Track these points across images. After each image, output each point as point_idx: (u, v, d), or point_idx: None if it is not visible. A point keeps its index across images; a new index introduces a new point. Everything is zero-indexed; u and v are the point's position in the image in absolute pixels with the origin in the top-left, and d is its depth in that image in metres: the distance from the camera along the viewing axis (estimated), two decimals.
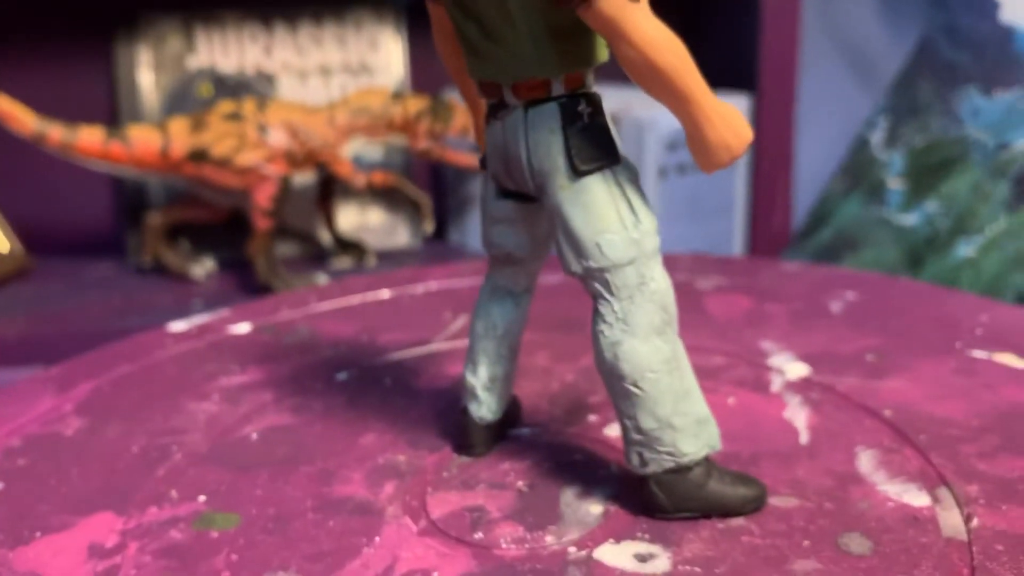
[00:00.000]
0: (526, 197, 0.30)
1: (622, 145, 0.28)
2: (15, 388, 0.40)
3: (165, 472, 0.33)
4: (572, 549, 0.28)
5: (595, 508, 0.30)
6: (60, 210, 0.83)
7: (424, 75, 0.85)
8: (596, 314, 0.28)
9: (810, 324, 0.44)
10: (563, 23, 0.26)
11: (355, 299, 0.51)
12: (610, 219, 0.27)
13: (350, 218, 0.83)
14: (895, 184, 0.73)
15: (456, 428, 0.34)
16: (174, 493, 0.32)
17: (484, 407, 0.33)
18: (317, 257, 0.81)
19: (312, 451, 0.34)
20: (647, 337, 0.27)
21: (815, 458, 0.32)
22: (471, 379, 0.33)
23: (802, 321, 0.44)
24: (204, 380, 0.41)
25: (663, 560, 0.27)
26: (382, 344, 0.44)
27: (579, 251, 0.27)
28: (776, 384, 0.38)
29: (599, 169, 0.27)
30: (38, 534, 0.29)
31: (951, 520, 0.28)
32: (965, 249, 0.67)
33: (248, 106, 0.70)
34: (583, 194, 0.27)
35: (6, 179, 0.81)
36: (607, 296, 0.28)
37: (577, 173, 0.27)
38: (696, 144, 0.26)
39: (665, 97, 0.25)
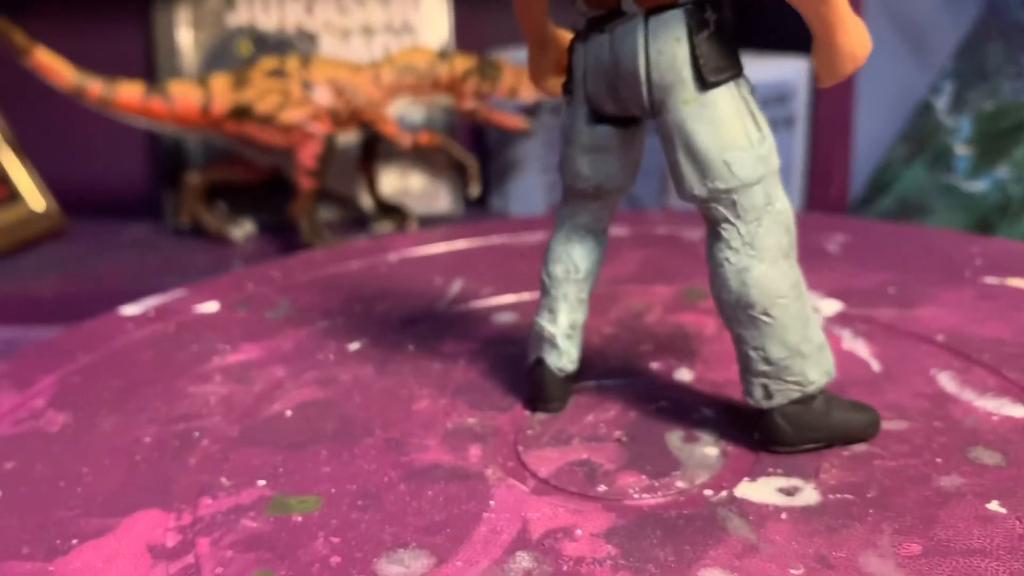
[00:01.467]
0: (624, 121, 0.28)
1: None
2: None
3: (198, 460, 0.30)
4: (709, 492, 0.26)
5: (710, 450, 0.28)
6: (96, 169, 0.82)
7: (469, 35, 0.83)
8: (717, 240, 0.26)
9: (817, 264, 0.44)
10: None
11: (320, 272, 0.48)
12: (738, 135, 0.25)
13: (391, 182, 0.81)
14: (962, 150, 0.70)
15: (532, 382, 0.31)
16: (224, 481, 0.28)
17: (565, 357, 0.31)
18: (357, 222, 0.79)
19: (365, 422, 0.32)
20: (775, 261, 0.26)
21: (897, 383, 0.32)
22: (549, 328, 0.30)
23: (808, 262, 0.44)
24: (195, 362, 0.37)
25: (810, 491, 0.26)
26: (382, 312, 0.42)
27: (704, 171, 0.25)
28: (819, 321, 0.37)
29: (727, 80, 0.25)
30: (75, 541, 0.25)
31: None
32: None
33: (292, 62, 0.68)
34: (710, 108, 0.25)
35: (41, 137, 0.79)
36: (732, 220, 0.26)
37: (705, 85, 0.25)
38: (825, 52, 0.25)
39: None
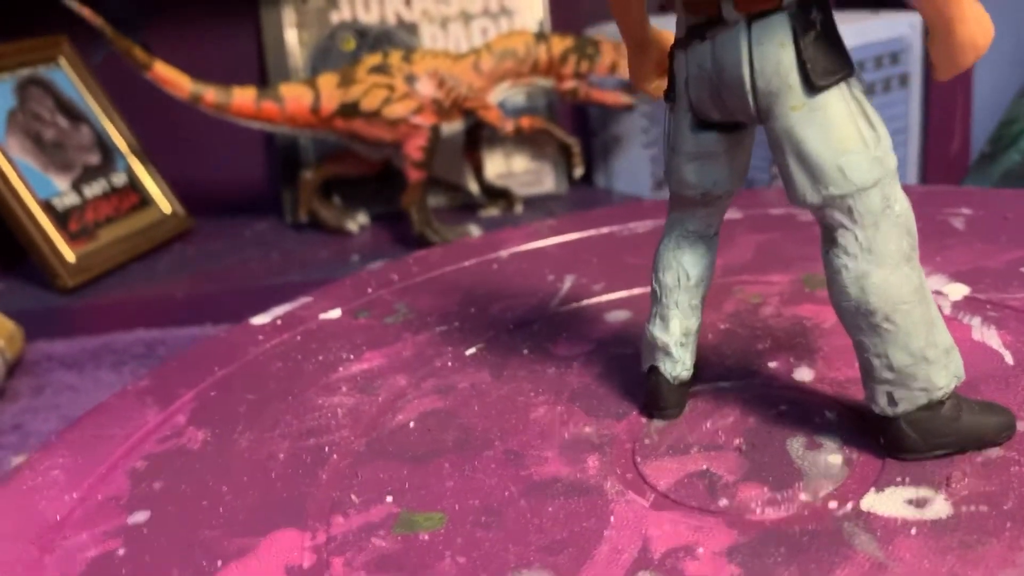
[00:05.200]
0: (729, 126, 0.27)
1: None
2: (108, 406, 0.37)
3: (329, 476, 0.30)
4: (834, 504, 0.25)
5: (833, 458, 0.27)
6: (218, 171, 0.85)
7: (565, 15, 0.82)
8: (833, 246, 0.25)
9: (941, 243, 0.41)
10: None
11: (436, 272, 0.48)
12: (852, 138, 0.24)
13: (496, 166, 0.81)
14: None
15: (647, 390, 0.31)
16: (354, 497, 0.29)
17: (679, 364, 0.30)
18: (466, 207, 0.80)
19: (485, 433, 0.32)
20: (896, 266, 0.25)
21: None
22: (661, 336, 0.30)
23: (930, 241, 0.41)
24: (322, 372, 0.38)
25: (940, 503, 0.25)
26: (496, 313, 0.42)
27: (817, 177, 0.25)
28: (944, 308, 0.35)
29: (838, 82, 0.24)
30: (219, 563, 0.26)
31: None
32: None
33: (394, 57, 0.70)
34: (820, 112, 0.24)
35: (165, 144, 0.83)
36: (848, 225, 0.25)
37: (814, 89, 0.24)
38: (943, 43, 0.24)
39: None
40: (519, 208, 0.78)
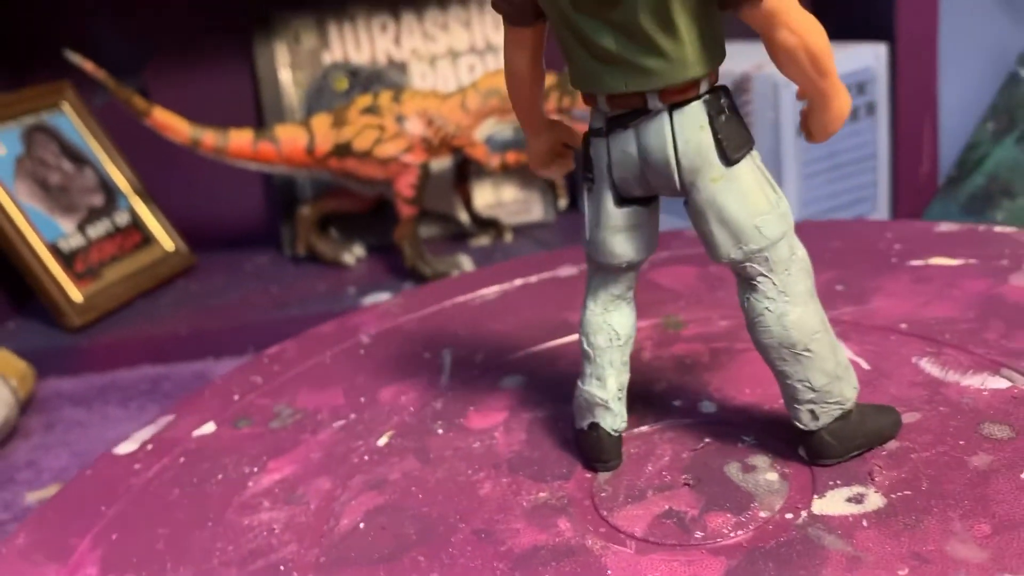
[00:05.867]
0: (647, 199, 0.30)
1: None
2: None
3: None
4: (790, 515, 0.29)
5: (771, 476, 0.31)
6: (218, 209, 0.88)
7: (548, 51, 0.85)
8: (754, 292, 0.29)
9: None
10: (714, 23, 0.27)
11: (301, 367, 0.45)
12: (761, 201, 0.28)
13: (485, 196, 0.84)
14: None
15: (588, 446, 0.33)
16: None
17: (618, 418, 0.33)
18: (457, 236, 0.83)
19: (444, 518, 0.31)
20: (806, 303, 0.29)
21: (891, 377, 0.35)
22: (600, 393, 0.32)
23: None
24: (231, 490, 0.35)
25: (873, 495, 0.29)
26: (390, 399, 0.41)
27: (738, 237, 0.28)
28: None
29: (746, 154, 0.28)
30: None
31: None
32: None
33: (384, 98, 0.73)
34: (736, 182, 0.28)
35: (167, 183, 0.86)
36: (766, 273, 0.29)
37: (729, 162, 0.28)
38: (821, 117, 0.28)
39: (809, 75, 0.27)
40: (508, 237, 0.81)
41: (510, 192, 0.85)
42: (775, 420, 0.34)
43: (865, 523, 0.28)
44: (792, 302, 0.29)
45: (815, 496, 0.29)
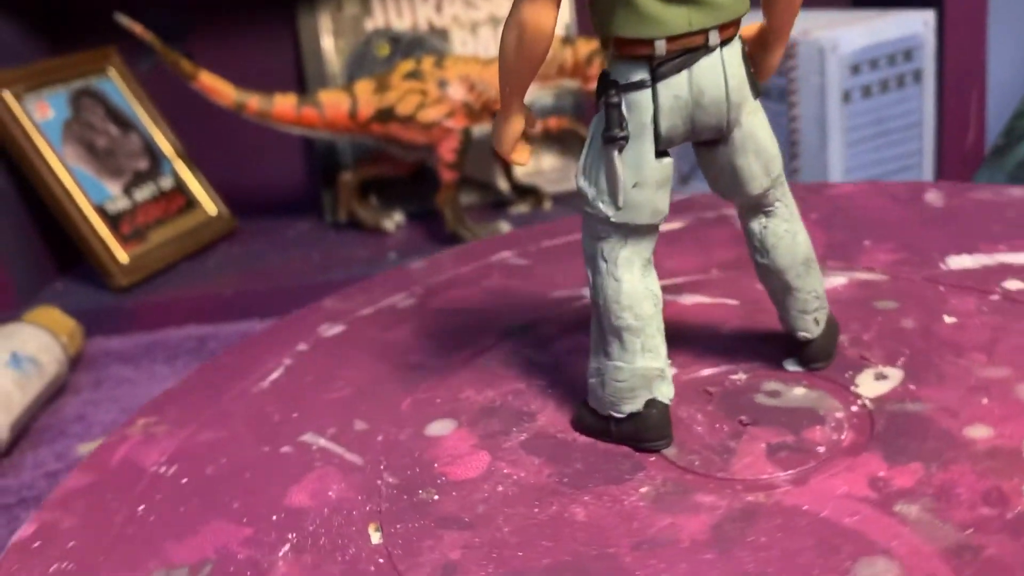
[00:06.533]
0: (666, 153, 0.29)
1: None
2: None
3: None
4: (855, 408, 0.31)
5: (799, 391, 0.33)
6: (260, 174, 0.89)
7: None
8: (772, 219, 0.31)
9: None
10: None
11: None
12: (770, 128, 0.30)
13: (525, 165, 0.84)
14: None
15: (644, 427, 0.30)
16: None
17: (669, 383, 0.31)
18: (497, 204, 0.83)
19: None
20: (800, 219, 0.32)
21: None
22: (655, 364, 0.30)
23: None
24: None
25: (888, 370, 0.33)
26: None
27: (768, 166, 0.30)
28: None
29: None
30: None
31: None
32: None
33: (427, 63, 0.73)
34: (760, 113, 0.30)
35: (210, 149, 0.87)
36: (780, 197, 0.31)
37: (757, 95, 0.29)
38: (780, 51, 0.31)
39: (796, 10, 0.30)
40: (548, 205, 0.81)
41: (549, 160, 0.85)
42: (736, 355, 0.35)
43: (913, 386, 0.31)
44: (798, 220, 0.31)
45: (853, 387, 0.32)
